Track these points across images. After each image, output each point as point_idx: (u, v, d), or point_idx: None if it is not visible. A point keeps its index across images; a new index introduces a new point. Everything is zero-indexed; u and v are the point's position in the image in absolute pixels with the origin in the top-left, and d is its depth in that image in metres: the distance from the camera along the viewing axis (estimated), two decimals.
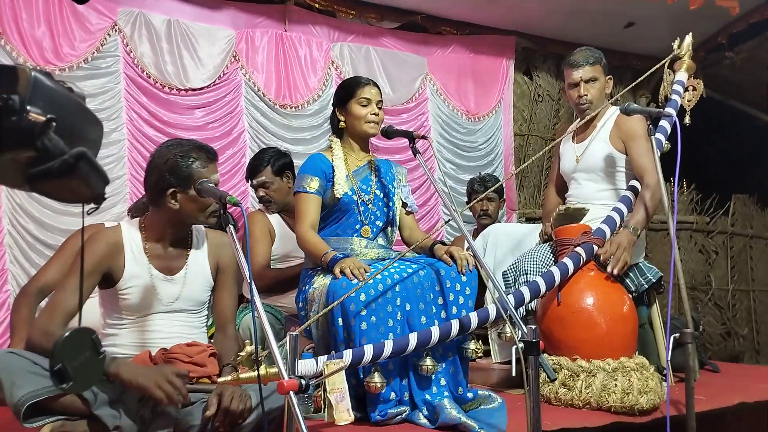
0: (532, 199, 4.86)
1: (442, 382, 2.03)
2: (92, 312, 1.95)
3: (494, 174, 4.50)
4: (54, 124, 0.54)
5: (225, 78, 3.66)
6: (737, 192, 5.30)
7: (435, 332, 1.91)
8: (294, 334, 1.51)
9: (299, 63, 3.86)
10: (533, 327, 1.62)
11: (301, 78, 3.86)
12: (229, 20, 3.72)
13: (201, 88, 3.58)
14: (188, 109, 3.57)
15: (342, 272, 1.96)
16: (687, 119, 2.68)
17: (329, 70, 3.96)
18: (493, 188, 3.28)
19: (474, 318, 1.98)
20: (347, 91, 2.28)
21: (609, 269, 2.27)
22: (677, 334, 1.98)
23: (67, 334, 0.67)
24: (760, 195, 5.37)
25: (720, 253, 5.24)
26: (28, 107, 0.54)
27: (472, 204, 3.40)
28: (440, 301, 2.07)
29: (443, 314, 2.06)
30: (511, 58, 4.59)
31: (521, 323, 1.71)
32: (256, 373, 1.55)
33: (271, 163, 2.85)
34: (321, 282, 2.07)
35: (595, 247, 2.30)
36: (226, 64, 3.66)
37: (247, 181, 3.01)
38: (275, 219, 2.86)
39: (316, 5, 3.93)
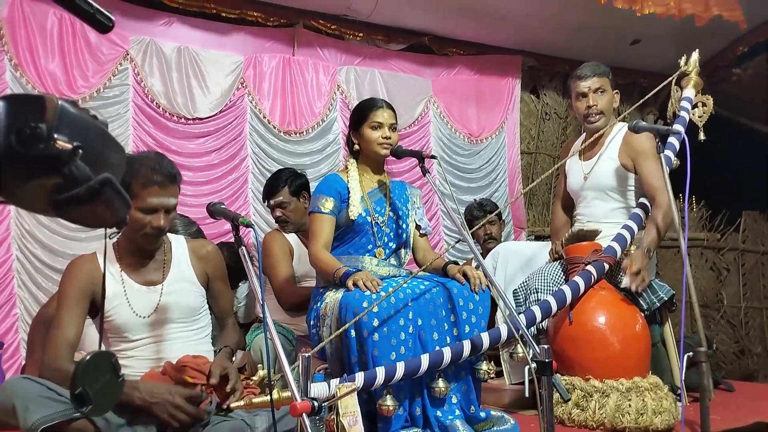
0: (541, 217, 4.86)
1: (454, 399, 2.02)
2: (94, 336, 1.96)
3: (497, 193, 4.52)
4: (80, 151, 0.55)
5: (231, 105, 3.71)
6: (747, 208, 5.27)
7: (447, 353, 1.90)
8: (306, 355, 1.51)
9: (305, 88, 3.91)
10: (546, 347, 1.61)
11: (306, 103, 3.90)
12: (238, 45, 3.78)
13: (208, 117, 3.62)
14: (194, 137, 3.62)
15: (355, 284, 1.96)
16: (701, 135, 2.68)
17: (334, 94, 4.00)
18: (495, 213, 3.27)
19: (486, 338, 1.97)
20: (361, 114, 2.31)
21: (629, 285, 2.25)
22: (691, 353, 1.96)
23: (88, 357, 0.67)
24: None
25: (731, 270, 5.20)
26: (56, 135, 0.55)
27: (474, 230, 3.40)
28: (452, 318, 2.07)
29: (455, 331, 2.06)
30: (517, 77, 4.63)
31: (533, 343, 1.70)
32: (268, 397, 1.54)
33: (288, 183, 2.88)
34: (332, 297, 2.08)
35: (606, 266, 2.29)
36: (233, 92, 3.71)
37: (264, 201, 3.04)
38: (293, 238, 2.88)
39: (324, 28, 3.98)
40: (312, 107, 3.92)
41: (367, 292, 1.92)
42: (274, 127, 3.81)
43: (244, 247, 1.62)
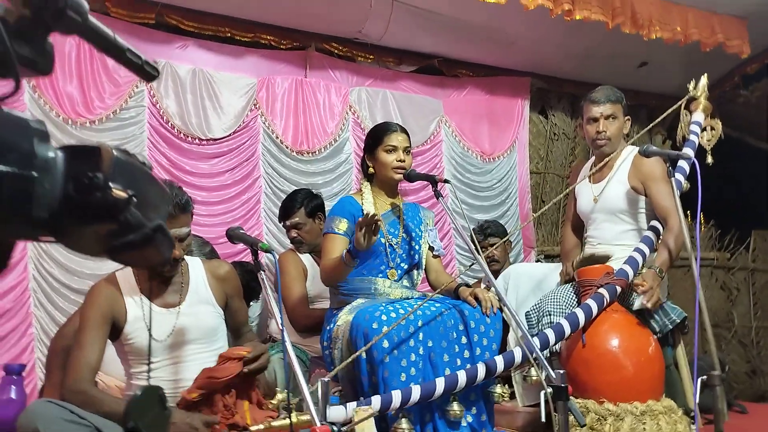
0: (550, 236, 4.87)
1: (464, 422, 2.03)
2: (115, 359, 1.99)
3: (509, 212, 4.54)
4: (134, 199, 0.59)
5: (245, 126, 3.75)
6: (757, 228, 5.27)
7: (462, 376, 1.92)
8: (325, 380, 1.53)
9: (317, 108, 3.95)
10: (561, 371, 1.62)
11: (318, 123, 3.95)
12: (251, 67, 3.84)
13: (222, 138, 3.68)
14: (208, 157, 3.66)
15: (362, 227, 1.96)
16: (709, 159, 2.71)
17: (346, 114, 4.05)
18: (500, 237, 3.28)
19: (500, 361, 1.99)
20: (375, 138, 2.35)
21: (644, 302, 2.26)
22: (704, 377, 1.97)
23: (139, 393, 0.70)
24: None
25: (741, 290, 5.18)
26: (111, 184, 0.58)
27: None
28: (463, 340, 2.09)
29: (466, 354, 2.08)
30: (526, 99, 4.67)
31: (548, 367, 1.71)
32: (287, 420, 1.56)
33: (305, 204, 2.91)
34: (344, 319, 2.10)
35: (618, 288, 2.30)
36: (246, 113, 3.76)
37: (280, 222, 3.07)
38: (307, 259, 2.91)
39: (336, 51, 4.04)
40: (324, 127, 3.97)
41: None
42: (287, 147, 3.85)
43: (263, 272, 1.65)
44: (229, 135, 3.71)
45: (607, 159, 2.62)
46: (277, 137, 3.83)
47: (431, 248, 2.41)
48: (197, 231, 3.54)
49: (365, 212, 2.02)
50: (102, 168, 0.58)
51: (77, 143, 0.60)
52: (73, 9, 0.55)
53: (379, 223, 1.97)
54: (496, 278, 2.84)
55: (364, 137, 3.80)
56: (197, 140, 3.62)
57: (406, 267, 2.34)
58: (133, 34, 3.52)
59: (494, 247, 3.30)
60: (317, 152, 3.93)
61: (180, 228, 1.84)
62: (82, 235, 0.59)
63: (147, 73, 0.68)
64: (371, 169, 2.36)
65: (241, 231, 1.79)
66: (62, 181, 0.56)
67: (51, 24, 0.56)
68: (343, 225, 2.26)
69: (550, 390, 1.61)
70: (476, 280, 3.60)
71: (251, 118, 3.79)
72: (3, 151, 0.52)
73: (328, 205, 3.10)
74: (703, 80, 2.84)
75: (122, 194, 0.58)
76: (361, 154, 2.46)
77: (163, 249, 0.63)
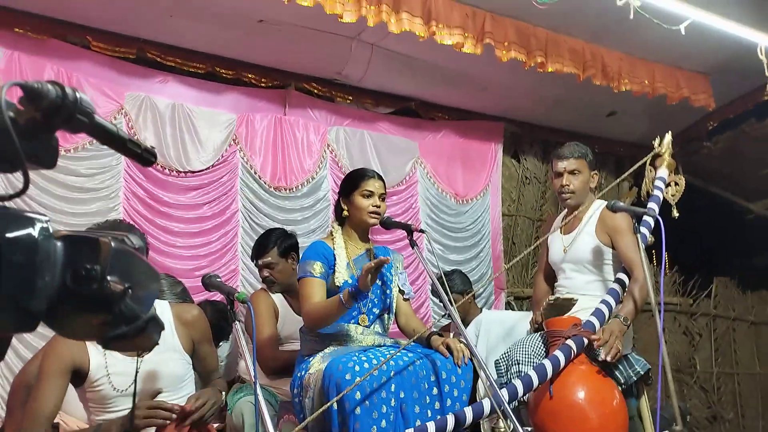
0: (521, 278, 4.96)
1: None
2: (76, 400, 1.96)
3: (482, 253, 4.61)
4: (130, 292, 0.61)
5: (223, 160, 3.78)
6: (719, 275, 5.45)
7: (431, 428, 1.94)
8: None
9: (296, 146, 4.00)
10: (530, 429, 1.65)
11: (297, 160, 3.99)
12: (231, 104, 3.88)
13: (200, 171, 3.69)
14: (185, 190, 3.66)
15: (369, 271, 1.98)
16: (675, 213, 2.82)
17: (324, 152, 4.11)
18: (462, 302, 3.30)
19: (469, 413, 2.01)
20: (352, 182, 2.38)
21: (602, 356, 2.32)
22: (667, 431, 2.02)
23: None
24: (740, 278, 5.51)
25: (703, 335, 5.32)
26: (108, 277, 0.61)
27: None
28: (435, 391, 2.10)
29: (437, 405, 2.09)
30: (499, 143, 4.79)
31: (516, 422, 1.74)
32: None
33: (278, 244, 2.91)
34: (317, 367, 2.10)
35: (585, 340, 2.36)
36: (225, 147, 3.79)
37: (252, 260, 3.07)
38: (278, 299, 2.90)
39: (316, 90, 4.11)
40: (302, 165, 4.01)
41: (353, 364, 1.95)
42: (265, 183, 3.88)
43: (238, 322, 1.66)
44: (208, 168, 3.73)
45: (576, 212, 2.71)
46: (256, 172, 3.85)
47: (401, 291, 2.43)
48: (174, 264, 3.52)
49: (378, 259, 2.04)
50: (100, 260, 0.60)
51: (75, 233, 0.62)
52: (82, 113, 0.58)
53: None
54: (466, 326, 2.88)
55: (341, 175, 3.86)
56: (175, 172, 3.62)
57: (377, 312, 2.35)
58: (113, 68, 3.54)
59: (457, 304, 3.33)
60: (295, 189, 3.96)
61: None
62: (76, 323, 0.61)
63: (146, 159, 0.71)
64: (345, 213, 2.39)
65: (218, 279, 1.79)
66: (60, 272, 0.58)
67: (60, 126, 0.58)
68: (318, 268, 2.27)
69: None
70: (445, 325, 3.62)
71: (230, 153, 3.82)
72: (10, 245, 0.55)
73: (303, 243, 3.12)
74: (668, 137, 2.97)
75: (119, 287, 0.60)
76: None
77: (154, 336, 0.65)
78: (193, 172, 3.68)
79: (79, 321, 0.61)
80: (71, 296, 0.59)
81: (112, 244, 0.64)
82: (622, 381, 2.50)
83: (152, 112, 3.62)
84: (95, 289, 0.60)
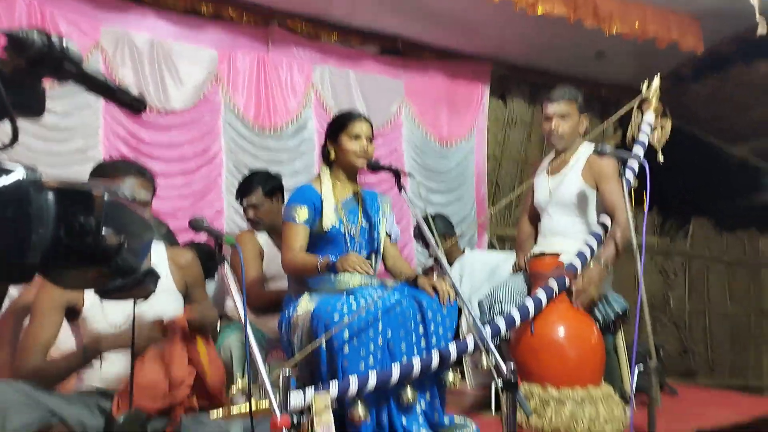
0: (503, 218, 5.01)
1: (419, 408, 2.12)
2: (70, 338, 1.98)
3: (466, 195, 4.64)
4: (126, 244, 0.61)
5: (205, 99, 3.70)
6: (696, 216, 5.56)
7: (417, 364, 2.00)
8: (286, 371, 1.58)
9: (280, 86, 3.92)
10: (512, 364, 1.72)
11: (281, 100, 3.92)
12: (212, 40, 3.76)
13: (181, 109, 3.61)
14: (167, 128, 3.59)
15: (352, 268, 2.03)
16: (660, 157, 2.84)
17: (309, 93, 4.03)
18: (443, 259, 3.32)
19: (453, 349, 2.08)
20: (340, 124, 2.35)
21: (575, 303, 2.40)
22: (641, 365, 2.12)
23: (121, 419, 0.73)
24: (717, 220, 5.63)
25: (678, 274, 5.49)
26: (103, 229, 0.60)
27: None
28: (421, 330, 2.16)
29: (423, 342, 2.15)
30: (486, 84, 4.73)
31: (499, 358, 1.80)
32: (247, 406, 1.60)
33: (262, 184, 2.91)
34: (305, 308, 2.14)
35: (567, 280, 2.42)
36: (207, 86, 3.69)
37: (237, 200, 3.06)
38: (263, 239, 2.92)
39: (300, 28, 3.99)
40: (286, 105, 3.94)
41: (350, 310, 2.00)
42: (249, 122, 3.82)
43: (227, 263, 1.67)
44: (189, 107, 3.65)
45: (562, 155, 2.72)
46: (239, 112, 3.79)
47: (389, 234, 2.46)
48: (156, 204, 3.48)
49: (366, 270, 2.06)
50: (94, 213, 0.60)
51: (67, 184, 0.61)
52: (70, 60, 0.57)
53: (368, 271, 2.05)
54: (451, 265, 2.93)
55: (326, 116, 3.81)
56: (155, 111, 3.54)
57: (365, 254, 2.38)
58: (88, 1, 3.39)
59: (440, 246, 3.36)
60: (279, 129, 3.91)
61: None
62: (72, 276, 0.62)
63: (135, 107, 0.70)
64: (332, 156, 2.37)
65: (205, 223, 1.79)
66: (53, 225, 0.58)
67: (47, 73, 0.57)
68: (303, 213, 2.26)
69: (500, 382, 1.70)
70: (431, 266, 3.67)
71: (212, 92, 3.73)
72: (2, 199, 0.54)
73: (287, 184, 3.11)
74: (656, 82, 2.95)
75: (113, 240, 0.60)
76: (324, 137, 2.45)
77: (151, 287, 0.66)
78: (174, 111, 3.60)
79: (75, 274, 0.61)
80: (66, 250, 0.58)
81: (106, 196, 0.63)
82: (600, 319, 2.59)
83: (130, 49, 3.51)
84: (90, 243, 0.60)
